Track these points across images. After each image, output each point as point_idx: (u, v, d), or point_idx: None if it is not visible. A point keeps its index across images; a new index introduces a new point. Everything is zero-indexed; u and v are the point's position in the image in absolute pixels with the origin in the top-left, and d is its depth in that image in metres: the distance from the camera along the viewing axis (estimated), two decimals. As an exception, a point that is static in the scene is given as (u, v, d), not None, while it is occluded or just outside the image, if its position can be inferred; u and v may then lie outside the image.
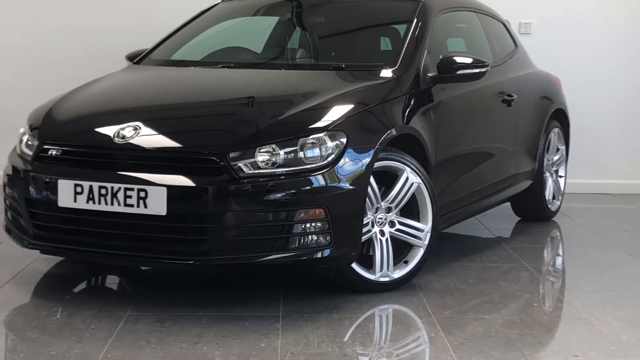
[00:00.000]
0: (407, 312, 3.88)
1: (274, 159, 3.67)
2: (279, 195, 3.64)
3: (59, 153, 3.92)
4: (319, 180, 3.70)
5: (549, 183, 5.98)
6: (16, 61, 6.99)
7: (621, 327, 3.71)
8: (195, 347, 3.32)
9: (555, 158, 6.10)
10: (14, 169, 4.04)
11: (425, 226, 4.16)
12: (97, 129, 3.95)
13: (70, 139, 3.99)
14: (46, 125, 4.07)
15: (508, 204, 5.88)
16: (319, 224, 3.70)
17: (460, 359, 3.26)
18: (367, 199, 3.90)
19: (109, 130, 3.85)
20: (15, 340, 3.48)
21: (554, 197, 6.07)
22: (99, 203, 3.69)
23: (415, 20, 4.72)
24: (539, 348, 3.47)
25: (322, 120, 3.84)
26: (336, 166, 3.74)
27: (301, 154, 3.71)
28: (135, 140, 3.77)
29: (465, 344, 3.43)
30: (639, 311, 3.96)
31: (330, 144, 3.76)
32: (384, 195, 4.04)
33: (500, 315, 3.89)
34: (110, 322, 3.59)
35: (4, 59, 6.99)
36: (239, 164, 3.64)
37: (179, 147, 3.78)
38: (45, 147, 3.94)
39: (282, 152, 3.69)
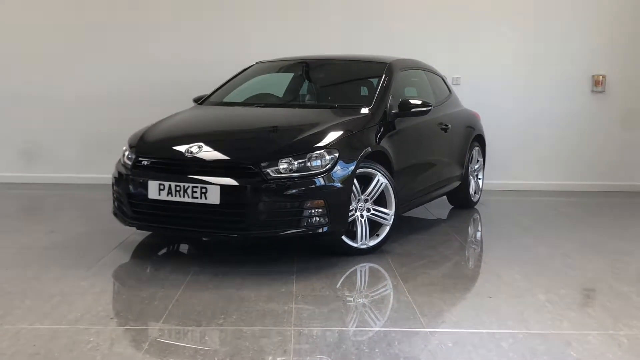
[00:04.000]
0: (378, 268, 3.88)
1: (290, 167, 3.68)
2: (294, 191, 3.64)
3: (148, 163, 3.92)
4: (320, 181, 3.70)
5: (472, 183, 5.97)
6: (116, 103, 6.97)
7: (520, 278, 3.72)
8: (239, 291, 3.34)
9: (476, 166, 6.08)
10: (119, 173, 4.05)
11: (390, 211, 4.16)
12: (174, 147, 3.94)
13: (156, 153, 3.98)
14: (140, 144, 4.07)
15: (445, 197, 5.87)
16: (320, 210, 3.70)
17: (413, 299, 3.28)
18: (352, 194, 3.91)
19: (181, 148, 3.85)
20: (119, 286, 3.51)
21: (475, 192, 6.06)
22: (175, 196, 3.70)
23: (384, 75, 4.72)
24: (465, 292, 3.49)
25: (322, 141, 3.84)
26: (331, 172, 3.75)
27: (308, 164, 3.71)
28: (199, 155, 3.78)
29: (416, 289, 3.45)
30: (532, 267, 3.96)
31: (327, 157, 3.77)
32: (363, 191, 4.04)
33: (440, 270, 3.89)
34: (182, 274, 3.60)
35: (110, 102, 7.00)
36: (268, 170, 3.64)
37: (228, 159, 3.77)
38: (140, 158, 3.95)
39: (296, 163, 3.69)
